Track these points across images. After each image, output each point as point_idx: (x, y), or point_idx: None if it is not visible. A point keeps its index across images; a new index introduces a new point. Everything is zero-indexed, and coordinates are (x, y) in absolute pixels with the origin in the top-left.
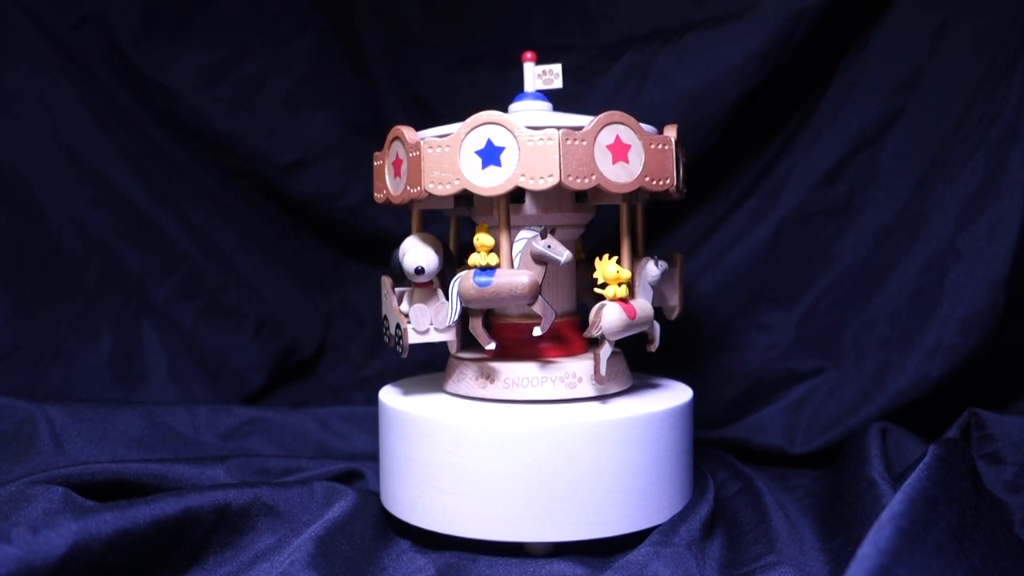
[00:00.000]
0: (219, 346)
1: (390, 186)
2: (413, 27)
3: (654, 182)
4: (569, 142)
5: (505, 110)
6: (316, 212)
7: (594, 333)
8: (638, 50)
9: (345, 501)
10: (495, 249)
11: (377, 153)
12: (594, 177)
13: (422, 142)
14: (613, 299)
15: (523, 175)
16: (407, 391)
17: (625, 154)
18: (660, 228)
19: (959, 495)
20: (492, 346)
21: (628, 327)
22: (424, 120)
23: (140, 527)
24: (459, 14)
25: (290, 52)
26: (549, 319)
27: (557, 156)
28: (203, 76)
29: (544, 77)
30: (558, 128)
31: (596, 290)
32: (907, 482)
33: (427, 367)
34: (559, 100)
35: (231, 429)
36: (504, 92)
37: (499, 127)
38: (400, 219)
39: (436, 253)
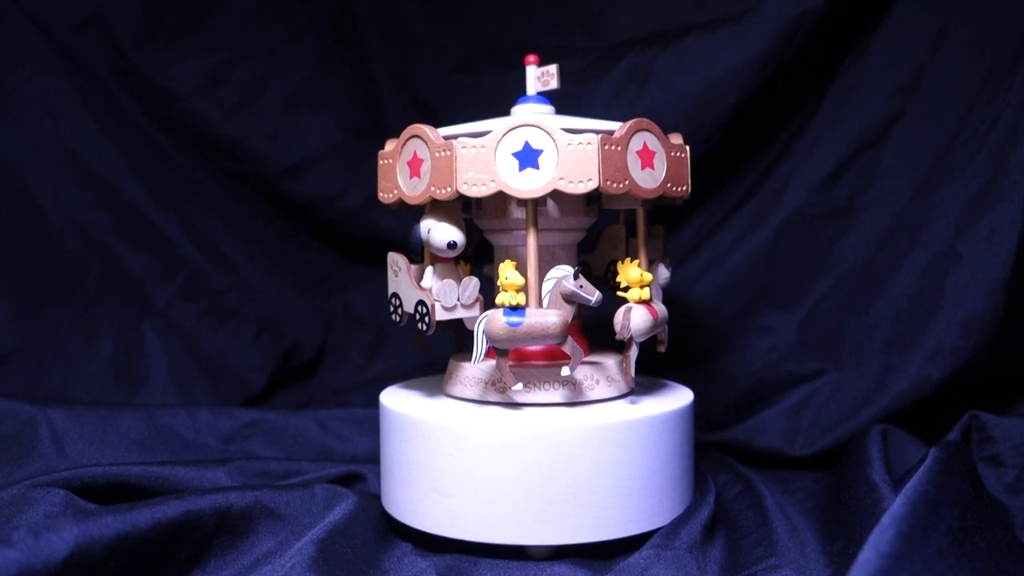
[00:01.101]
0: (220, 348)
1: (404, 186)
2: (414, 29)
3: (675, 188)
4: (607, 147)
5: (507, 112)
6: (317, 214)
7: (624, 336)
8: (639, 52)
9: (346, 504)
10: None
11: (384, 152)
12: (627, 182)
13: (455, 142)
14: (638, 302)
15: (562, 178)
16: (408, 393)
17: (651, 160)
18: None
19: (960, 498)
20: (519, 386)
21: (653, 327)
22: (425, 123)
23: (141, 530)
24: (460, 16)
25: (291, 54)
26: (578, 359)
27: (597, 161)
28: (204, 79)
29: (542, 79)
30: (596, 132)
31: (620, 293)
32: (908, 485)
33: (428, 369)
34: (559, 103)
35: (232, 431)
36: (505, 94)
37: (538, 129)
38: (402, 221)
39: (462, 226)
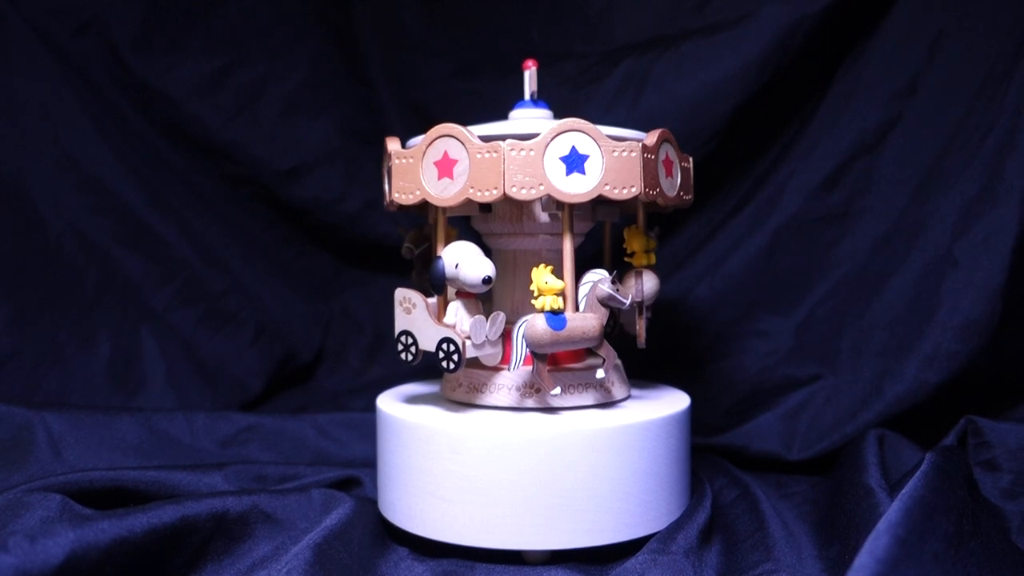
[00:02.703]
0: (218, 353)
1: (431, 187)
2: (412, 34)
3: (686, 197)
4: (646, 155)
5: (505, 117)
6: (315, 218)
7: (637, 298)
8: (637, 57)
9: (343, 508)
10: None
11: (401, 151)
12: (659, 189)
13: (502, 144)
14: (645, 266)
15: (607, 184)
16: (405, 398)
17: (671, 169)
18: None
19: (956, 503)
20: (558, 390)
21: (656, 294)
22: (423, 127)
23: (138, 535)
24: (458, 21)
25: (290, 59)
26: (612, 361)
27: (640, 168)
28: (203, 83)
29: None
30: (637, 140)
31: (626, 259)
32: (904, 490)
33: (426, 373)
34: (557, 107)
35: (229, 436)
36: (503, 99)
37: (584, 135)
38: (398, 225)
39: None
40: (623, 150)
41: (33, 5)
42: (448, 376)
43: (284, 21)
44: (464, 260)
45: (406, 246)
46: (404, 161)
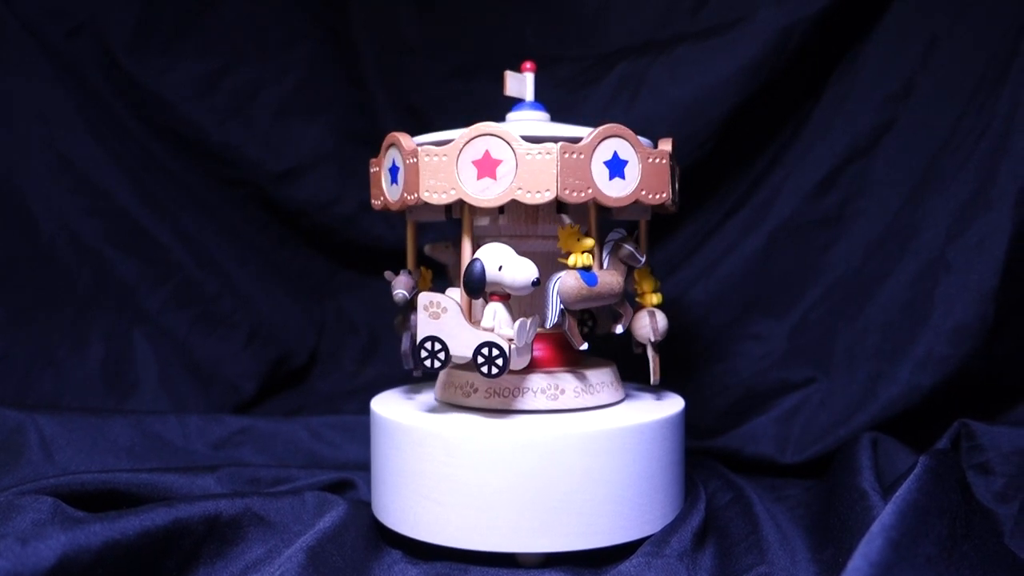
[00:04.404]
0: (211, 355)
1: (469, 188)
2: (408, 36)
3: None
4: (672, 163)
5: (502, 119)
6: (310, 221)
7: (653, 337)
8: (632, 61)
9: (336, 511)
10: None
11: (431, 148)
12: (668, 194)
13: (557, 146)
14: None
15: (644, 190)
16: (399, 400)
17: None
18: (652, 239)
19: (949, 507)
20: (585, 346)
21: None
22: (418, 130)
23: (130, 538)
24: (454, 23)
25: (285, 61)
26: (629, 316)
27: (669, 175)
28: (198, 85)
29: (514, 86)
30: (662, 147)
31: (637, 299)
32: (897, 494)
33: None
34: (553, 110)
35: (222, 438)
36: (499, 101)
37: (624, 140)
38: (395, 227)
39: None
40: (656, 157)
41: (27, 6)
42: (442, 379)
43: (279, 23)
44: (508, 262)
45: (400, 292)
46: (436, 159)
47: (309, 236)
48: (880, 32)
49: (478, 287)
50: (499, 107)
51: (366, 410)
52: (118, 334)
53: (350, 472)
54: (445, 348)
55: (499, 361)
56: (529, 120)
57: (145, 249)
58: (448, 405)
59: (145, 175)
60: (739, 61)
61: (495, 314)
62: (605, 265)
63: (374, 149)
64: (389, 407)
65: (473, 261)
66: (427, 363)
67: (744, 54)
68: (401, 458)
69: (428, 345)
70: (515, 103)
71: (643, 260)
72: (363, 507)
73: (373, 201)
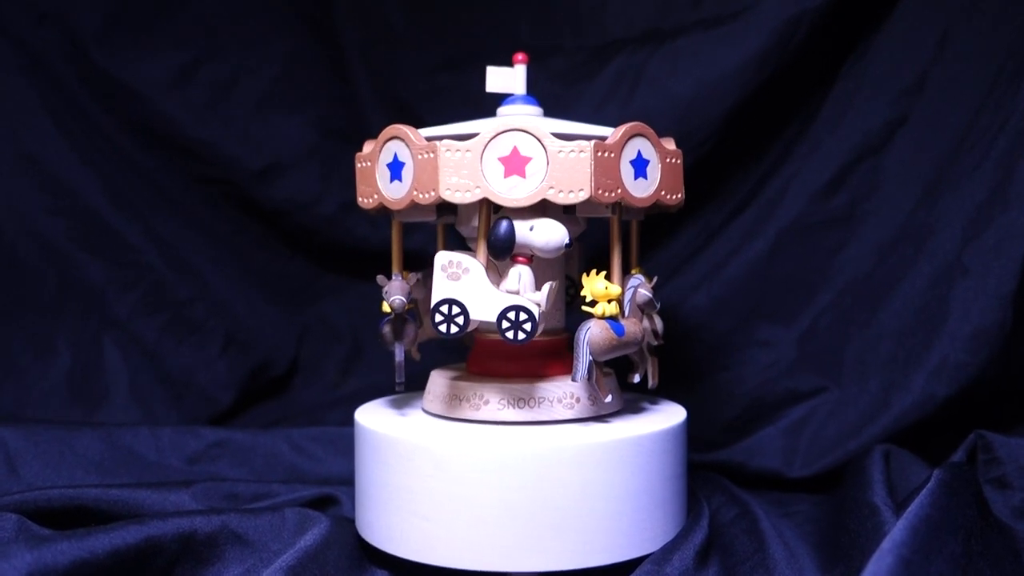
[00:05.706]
0: (185, 363)
1: (495, 186)
2: (394, 27)
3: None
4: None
5: (493, 113)
6: (290, 221)
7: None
8: (630, 53)
9: (318, 528)
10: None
11: (457, 144)
12: (680, 195)
13: (591, 144)
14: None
15: (664, 191)
16: (385, 411)
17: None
18: (653, 241)
19: (964, 522)
20: (610, 398)
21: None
22: (406, 123)
23: (99, 557)
24: (443, 14)
25: (264, 53)
26: (646, 364)
27: (681, 175)
28: (172, 78)
29: (500, 80)
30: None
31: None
32: (909, 509)
33: (408, 384)
34: (546, 105)
35: (197, 452)
36: (490, 95)
37: (646, 139)
38: (378, 228)
39: None
40: (672, 157)
41: None
42: (430, 389)
43: (258, 12)
44: (539, 223)
45: (397, 298)
46: (459, 154)
47: (289, 237)
48: (892, 23)
49: (506, 247)
50: (492, 101)
51: (350, 421)
52: (86, 341)
53: (333, 487)
54: (464, 312)
55: (527, 326)
56: (521, 115)
57: (114, 251)
58: (437, 416)
59: (115, 172)
60: (743, 53)
61: (520, 277)
62: (627, 313)
63: (358, 145)
64: (374, 418)
65: (499, 220)
66: (442, 328)
67: (749, 46)
68: (387, 472)
69: (444, 309)
70: (505, 97)
71: (658, 305)
72: (346, 524)
73: (361, 200)
